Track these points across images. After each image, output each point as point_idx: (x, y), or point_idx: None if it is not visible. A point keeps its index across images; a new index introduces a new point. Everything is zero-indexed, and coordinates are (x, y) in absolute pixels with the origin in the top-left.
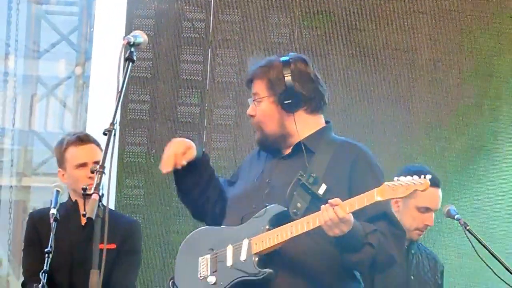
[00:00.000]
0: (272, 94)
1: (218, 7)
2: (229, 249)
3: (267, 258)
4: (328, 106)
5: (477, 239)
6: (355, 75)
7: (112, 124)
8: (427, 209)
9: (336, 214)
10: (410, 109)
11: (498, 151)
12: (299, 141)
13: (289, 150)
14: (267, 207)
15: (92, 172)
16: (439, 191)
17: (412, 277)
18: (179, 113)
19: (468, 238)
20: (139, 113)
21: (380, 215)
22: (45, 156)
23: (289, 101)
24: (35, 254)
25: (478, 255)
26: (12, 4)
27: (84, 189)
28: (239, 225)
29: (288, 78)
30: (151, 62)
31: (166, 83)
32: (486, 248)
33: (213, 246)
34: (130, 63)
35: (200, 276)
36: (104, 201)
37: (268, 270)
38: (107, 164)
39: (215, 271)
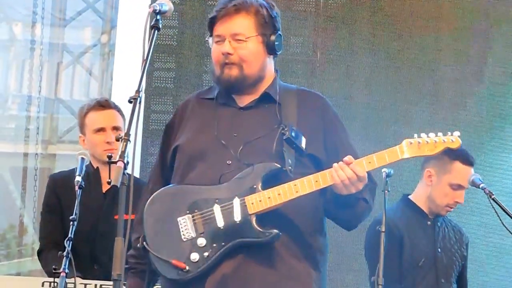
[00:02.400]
0: (261, 33)
1: None
2: (217, 209)
3: (263, 218)
4: (353, 73)
5: (501, 207)
6: (381, 42)
7: (138, 91)
8: (460, 187)
9: (355, 172)
10: (435, 77)
11: None
12: (265, 91)
13: (249, 100)
14: (255, 164)
15: (117, 140)
16: (471, 169)
17: (439, 250)
18: (204, 81)
19: (493, 207)
20: (164, 81)
21: None
22: (71, 124)
23: (277, 43)
24: (54, 221)
25: (502, 223)
26: None
27: (109, 157)
28: (218, 184)
29: (278, 19)
30: (176, 30)
31: (191, 50)
32: (511, 217)
33: (193, 206)
34: (156, 31)
35: (184, 238)
36: (129, 169)
37: (274, 231)
38: (132, 132)
39: (202, 233)
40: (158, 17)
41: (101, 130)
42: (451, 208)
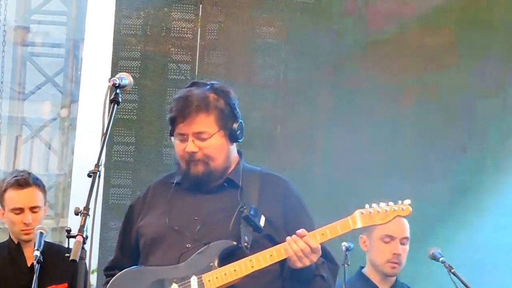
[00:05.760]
0: (222, 127)
1: (204, 49)
2: None
3: None
4: (313, 146)
5: (462, 281)
6: (341, 116)
7: (97, 166)
8: (391, 238)
9: (309, 244)
10: (395, 151)
11: (483, 196)
12: (227, 177)
13: (213, 185)
14: (211, 243)
15: (76, 214)
16: (402, 219)
17: None
18: (164, 155)
19: (453, 281)
20: (124, 155)
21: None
22: None
23: (239, 131)
24: None
25: None
26: None
27: (68, 231)
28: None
29: (236, 105)
30: (136, 104)
31: (151, 125)
32: None
33: (151, 287)
34: (116, 105)
35: None
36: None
37: None
38: (91, 206)
39: None
40: (118, 91)
41: (19, 209)
42: (394, 263)
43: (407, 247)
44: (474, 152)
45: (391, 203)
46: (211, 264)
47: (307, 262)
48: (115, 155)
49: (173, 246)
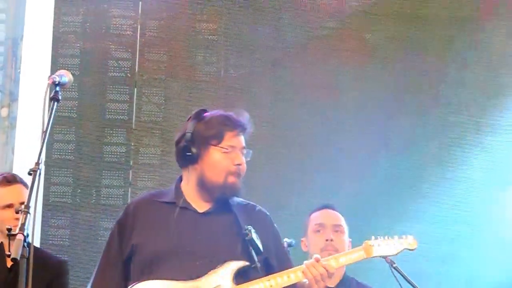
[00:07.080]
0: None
1: (144, 46)
2: None
3: None
4: (252, 144)
5: (403, 276)
6: (281, 112)
7: (37, 163)
8: (322, 226)
9: (327, 269)
10: (337, 147)
11: (427, 191)
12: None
13: (207, 206)
14: (225, 262)
15: (17, 212)
16: (329, 211)
17: None
18: (104, 153)
19: (395, 276)
20: (64, 153)
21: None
22: None
23: None
24: None
25: None
26: None
27: (9, 229)
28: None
29: None
30: (76, 102)
31: (91, 122)
32: (413, 286)
33: None
34: (55, 103)
35: None
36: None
37: None
38: (32, 204)
39: None
40: (58, 88)
41: (9, 206)
42: (328, 250)
43: (344, 236)
44: (412, 145)
45: (396, 237)
46: (228, 282)
47: (322, 286)
48: (56, 153)
49: (182, 263)
